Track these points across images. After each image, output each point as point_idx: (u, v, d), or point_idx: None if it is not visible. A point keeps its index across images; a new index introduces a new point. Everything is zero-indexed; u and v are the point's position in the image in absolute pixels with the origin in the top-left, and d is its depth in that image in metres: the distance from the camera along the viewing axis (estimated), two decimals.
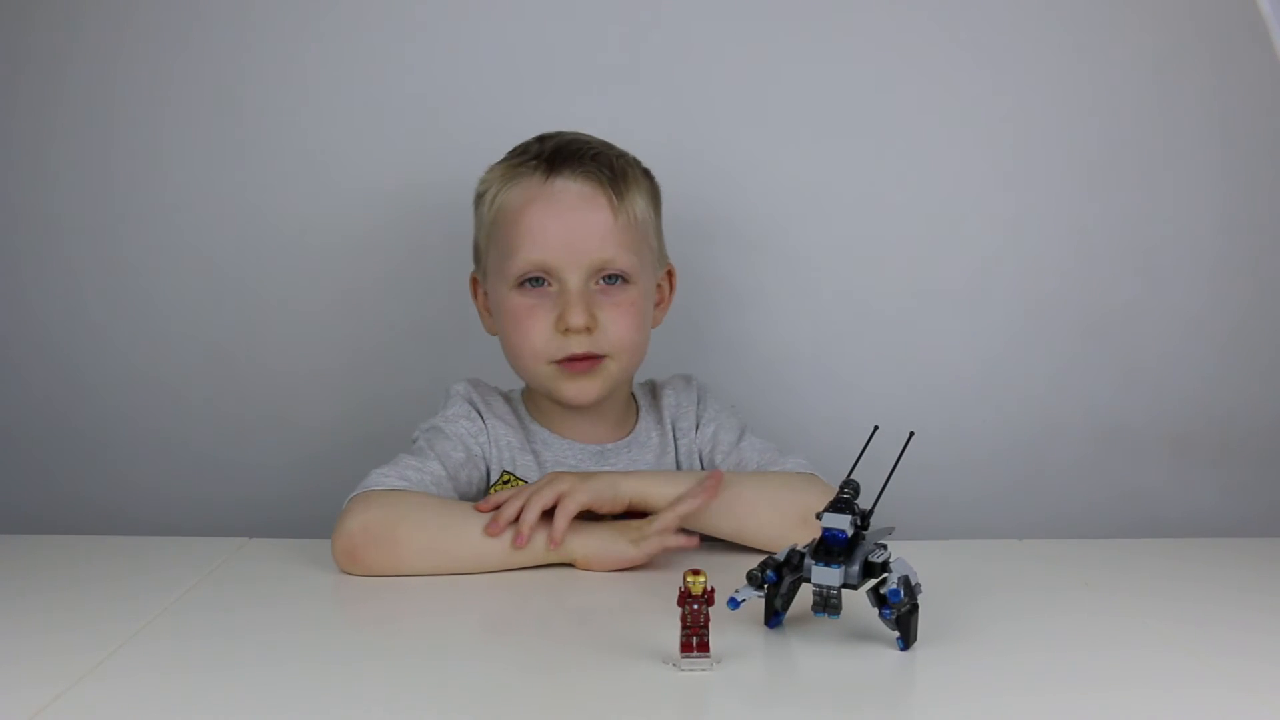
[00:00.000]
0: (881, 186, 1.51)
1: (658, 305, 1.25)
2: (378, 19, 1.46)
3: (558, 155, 1.17)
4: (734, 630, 0.89)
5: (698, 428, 1.25)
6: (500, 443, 1.20)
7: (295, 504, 1.42)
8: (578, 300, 1.14)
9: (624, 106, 1.45)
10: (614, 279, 1.17)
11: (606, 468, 1.19)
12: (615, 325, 1.16)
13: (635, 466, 1.21)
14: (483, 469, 1.19)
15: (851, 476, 0.88)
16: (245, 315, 1.49)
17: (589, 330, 1.15)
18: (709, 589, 0.82)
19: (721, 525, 1.11)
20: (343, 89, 1.46)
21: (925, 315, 1.52)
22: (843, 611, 0.87)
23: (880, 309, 1.52)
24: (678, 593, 0.82)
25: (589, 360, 1.16)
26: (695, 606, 0.82)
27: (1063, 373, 1.54)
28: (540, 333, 1.16)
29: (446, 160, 1.43)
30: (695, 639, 0.82)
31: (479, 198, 1.21)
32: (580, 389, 1.17)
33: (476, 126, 1.43)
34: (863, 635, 0.89)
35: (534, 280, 1.16)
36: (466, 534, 1.05)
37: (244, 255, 1.48)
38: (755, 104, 1.49)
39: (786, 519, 1.07)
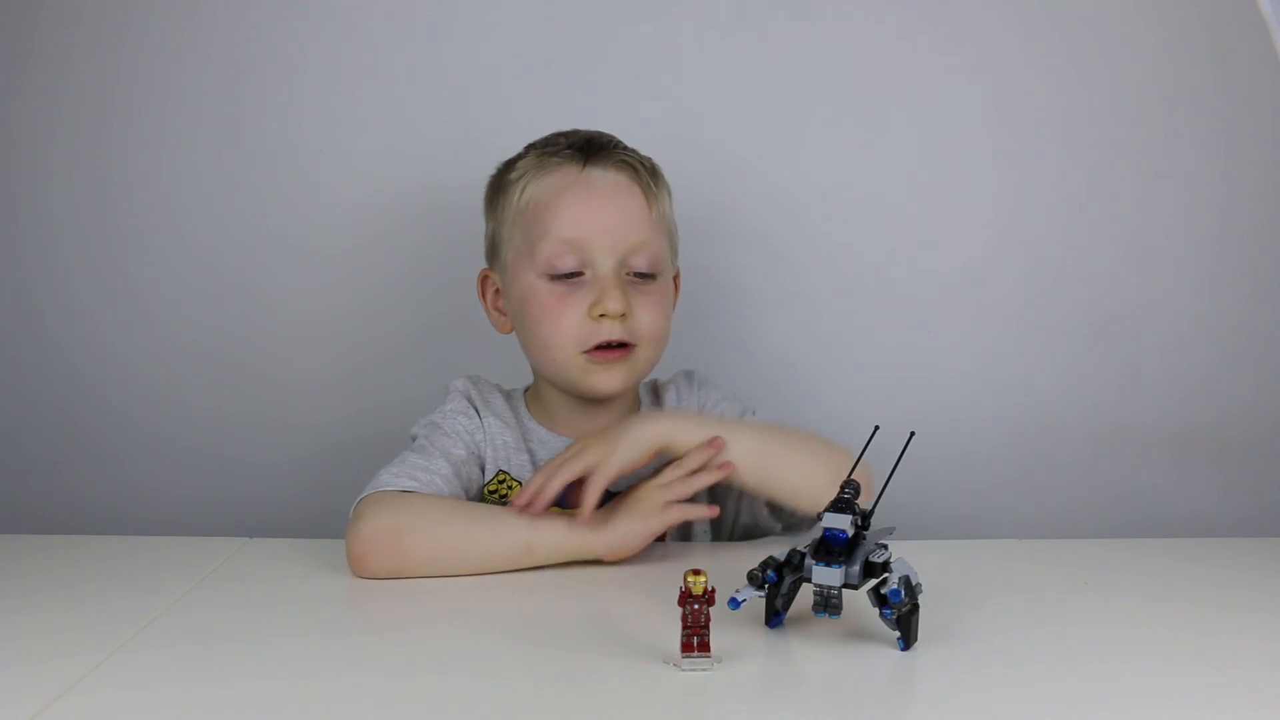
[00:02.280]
0: (882, 186, 1.51)
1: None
2: (381, 20, 1.46)
3: (590, 146, 1.17)
4: (734, 630, 0.89)
5: None
6: (496, 441, 1.19)
7: (296, 504, 1.42)
8: (615, 285, 1.14)
9: (629, 108, 1.45)
10: (641, 276, 1.16)
11: None
12: (647, 314, 1.16)
13: None
14: (479, 467, 1.18)
15: (852, 476, 0.88)
16: (246, 315, 1.49)
17: (624, 316, 1.14)
18: (710, 589, 0.82)
19: (750, 474, 1.09)
20: (346, 92, 1.47)
21: (926, 315, 1.52)
22: (843, 611, 0.87)
23: (880, 308, 1.52)
24: (678, 593, 0.83)
25: (621, 349, 1.15)
26: (696, 606, 0.82)
27: (1063, 372, 1.54)
28: (572, 320, 1.14)
29: (448, 163, 1.44)
30: (696, 639, 0.82)
31: (502, 189, 1.20)
32: (608, 379, 1.15)
33: (480, 129, 1.44)
34: (863, 635, 0.89)
35: (565, 275, 1.14)
36: (476, 537, 1.05)
37: (244, 256, 1.48)
38: (757, 105, 1.49)
39: (822, 477, 1.02)
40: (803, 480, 1.08)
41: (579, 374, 1.16)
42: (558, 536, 1.06)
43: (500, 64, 1.46)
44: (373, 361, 1.50)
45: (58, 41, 1.44)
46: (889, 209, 1.51)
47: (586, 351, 1.15)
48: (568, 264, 1.14)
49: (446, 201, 1.39)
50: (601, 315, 1.13)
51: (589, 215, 1.15)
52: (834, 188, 1.51)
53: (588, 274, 1.15)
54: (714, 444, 1.08)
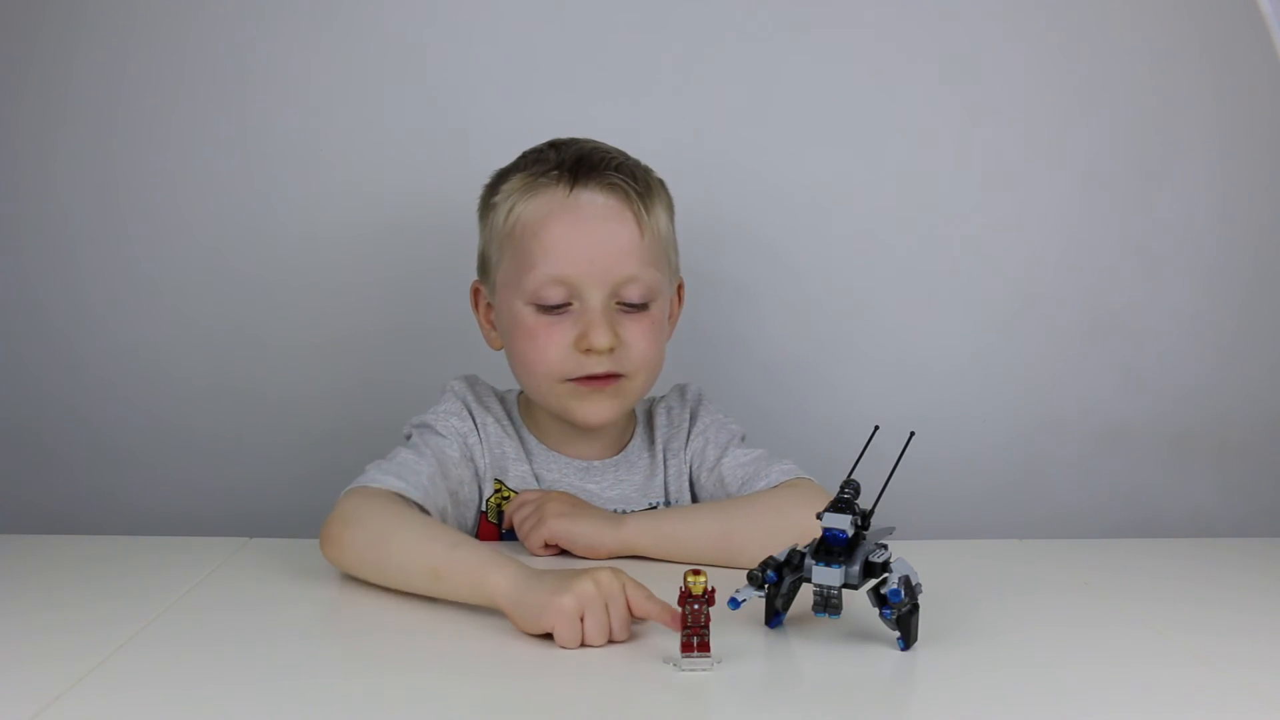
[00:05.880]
0: (881, 187, 1.51)
1: (669, 319, 1.21)
2: (388, 17, 1.46)
3: (580, 165, 1.12)
4: (734, 630, 0.89)
5: (688, 442, 1.22)
6: (495, 450, 1.18)
7: (300, 496, 1.42)
8: (602, 319, 1.11)
9: (627, 111, 1.45)
10: (633, 306, 1.13)
11: (591, 485, 1.18)
12: (638, 344, 1.13)
13: (621, 486, 1.20)
14: (473, 469, 1.17)
15: (852, 476, 0.88)
16: (251, 310, 1.49)
17: (612, 350, 1.11)
18: (710, 589, 0.82)
19: (717, 560, 1.06)
20: (350, 84, 1.46)
21: (925, 315, 1.52)
22: (843, 611, 0.87)
23: (880, 309, 1.52)
24: (678, 593, 0.83)
25: (608, 378, 1.13)
26: (696, 606, 0.82)
27: (1062, 372, 1.54)
28: (557, 350, 1.11)
29: (454, 159, 1.43)
30: (696, 639, 0.83)
31: (490, 207, 1.16)
32: (596, 409, 1.13)
33: (485, 128, 1.44)
34: (863, 635, 0.89)
35: (553, 306, 1.11)
36: (399, 548, 0.99)
37: (249, 252, 1.48)
38: (755, 107, 1.49)
39: (781, 544, 0.96)
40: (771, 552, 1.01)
41: (564, 401, 1.14)
42: (467, 573, 0.94)
43: (502, 67, 1.46)
44: (379, 356, 1.49)
45: (63, 38, 1.44)
46: (887, 210, 1.51)
47: (572, 380, 1.13)
48: (555, 297, 1.11)
49: (455, 196, 1.38)
50: (588, 350, 1.11)
51: (576, 247, 1.10)
52: (832, 189, 1.50)
53: (576, 305, 1.12)
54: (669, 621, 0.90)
